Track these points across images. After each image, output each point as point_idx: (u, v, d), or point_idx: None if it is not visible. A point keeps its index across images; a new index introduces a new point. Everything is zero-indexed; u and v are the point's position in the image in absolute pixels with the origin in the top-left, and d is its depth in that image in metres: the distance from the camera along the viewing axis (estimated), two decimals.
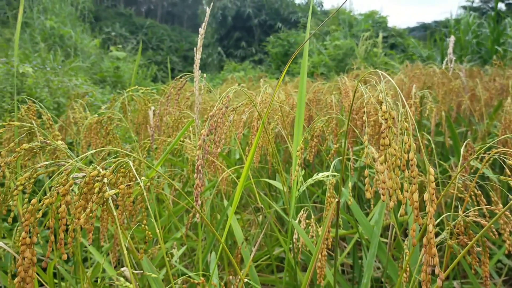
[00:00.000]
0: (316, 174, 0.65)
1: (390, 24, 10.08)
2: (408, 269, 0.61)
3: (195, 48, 0.69)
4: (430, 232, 0.29)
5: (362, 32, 7.86)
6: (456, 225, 0.54)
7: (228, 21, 16.12)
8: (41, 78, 2.61)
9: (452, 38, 1.26)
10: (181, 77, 0.83)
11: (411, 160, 0.32)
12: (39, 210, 0.36)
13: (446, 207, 1.16)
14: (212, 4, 0.87)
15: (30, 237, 0.35)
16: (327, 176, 0.66)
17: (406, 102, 1.02)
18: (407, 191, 0.31)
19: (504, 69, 2.21)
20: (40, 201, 0.39)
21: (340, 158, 1.18)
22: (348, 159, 0.92)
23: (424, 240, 0.30)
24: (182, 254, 1.15)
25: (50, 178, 0.50)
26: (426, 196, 0.30)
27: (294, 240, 0.73)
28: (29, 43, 5.19)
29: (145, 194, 0.42)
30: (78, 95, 2.40)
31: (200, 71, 0.72)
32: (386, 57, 6.25)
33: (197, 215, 0.53)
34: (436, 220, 0.76)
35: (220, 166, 0.98)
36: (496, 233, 0.60)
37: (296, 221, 0.74)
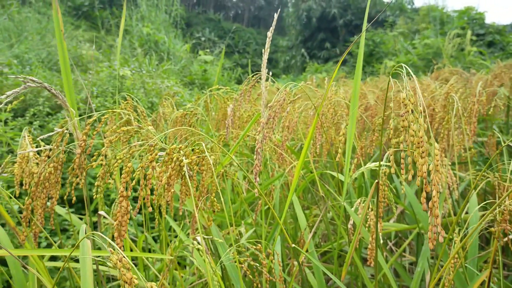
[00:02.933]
0: (369, 162, 0.71)
1: (488, 20, 9.33)
2: (456, 256, 0.64)
3: (262, 50, 0.78)
4: (434, 197, 0.34)
5: (455, 30, 7.39)
6: (499, 212, 0.56)
7: (313, 22, 16.11)
8: (137, 80, 2.92)
9: None
10: (252, 76, 0.93)
11: (421, 137, 0.37)
12: (133, 172, 0.48)
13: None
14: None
15: (126, 190, 0.47)
16: (380, 165, 0.71)
17: (474, 99, 1.01)
18: (421, 164, 0.37)
19: None
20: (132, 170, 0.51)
21: (400, 149, 1.20)
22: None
23: (430, 203, 0.35)
24: (252, 238, 1.26)
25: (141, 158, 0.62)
26: (431, 166, 0.35)
27: (350, 226, 0.79)
28: (128, 48, 5.74)
29: (214, 176, 0.52)
30: (169, 95, 2.65)
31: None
32: (480, 56, 5.82)
33: (256, 191, 0.62)
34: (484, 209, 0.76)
35: (288, 158, 1.07)
36: None
37: (353, 208, 0.80)
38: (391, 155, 0.51)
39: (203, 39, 16.15)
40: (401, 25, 10.15)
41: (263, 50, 0.76)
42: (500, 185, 0.89)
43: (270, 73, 0.81)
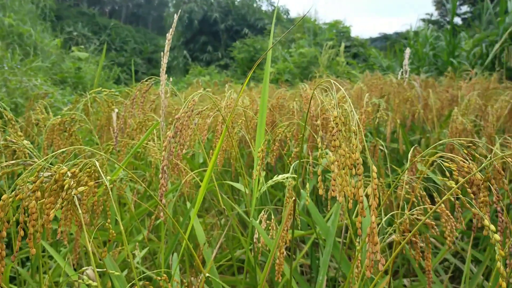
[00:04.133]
0: (276, 176, 0.69)
1: (353, 34, 10.38)
2: (359, 265, 0.65)
3: (162, 53, 0.71)
4: (373, 223, 0.33)
5: (326, 41, 8.07)
6: (402, 223, 0.58)
7: (195, 24, 16.07)
8: None
9: (407, 50, 1.34)
10: (146, 80, 0.84)
11: (357, 159, 0.35)
12: (9, 205, 0.37)
13: (400, 209, 1.23)
14: (178, 7, 0.90)
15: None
16: (287, 178, 0.69)
17: (361, 109, 1.07)
18: (354, 187, 0.35)
19: (456, 80, 2.35)
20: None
21: (301, 161, 1.23)
22: (308, 163, 0.96)
23: (368, 230, 0.34)
24: (144, 257, 1.16)
25: (9, 178, 0.50)
26: (369, 190, 0.34)
27: (254, 240, 0.76)
28: None
29: (110, 194, 0.44)
30: (38, 95, 2.34)
31: (166, 75, 0.74)
32: (348, 66, 6.44)
33: (162, 214, 0.55)
34: (386, 220, 0.81)
35: (184, 169, 1.00)
36: (439, 233, 0.65)
37: (257, 222, 0.77)
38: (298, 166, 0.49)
39: (75, 34, 14.90)
40: (278, 34, 10.70)
41: (162, 53, 0.69)
42: (383, 191, 0.96)
43: (170, 79, 0.74)
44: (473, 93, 1.36)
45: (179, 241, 1.12)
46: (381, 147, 1.56)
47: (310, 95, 1.47)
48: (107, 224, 0.52)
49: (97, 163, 0.46)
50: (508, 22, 5.29)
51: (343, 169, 0.38)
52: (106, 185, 0.70)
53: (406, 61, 1.31)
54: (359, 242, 0.71)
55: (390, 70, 6.69)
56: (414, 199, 0.67)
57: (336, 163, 0.37)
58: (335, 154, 0.38)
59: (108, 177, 0.49)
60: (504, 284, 0.31)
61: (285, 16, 17.52)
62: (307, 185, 0.72)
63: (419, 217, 0.58)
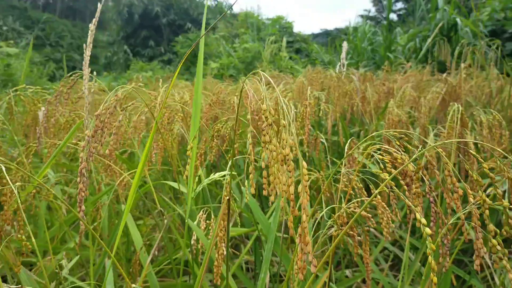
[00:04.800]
0: (213, 174, 0.66)
1: (296, 29, 10.55)
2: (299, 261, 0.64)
3: (84, 45, 0.65)
4: (304, 222, 0.31)
5: (269, 36, 8.12)
6: (340, 216, 0.58)
7: (135, 18, 15.56)
8: None
9: (345, 45, 1.36)
10: (71, 75, 0.78)
11: (287, 155, 0.33)
12: None
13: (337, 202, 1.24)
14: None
15: None
16: (224, 175, 0.67)
17: (305, 102, 1.07)
18: (285, 184, 0.33)
19: (392, 74, 2.44)
20: None
21: (243, 156, 1.20)
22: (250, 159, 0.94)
23: (299, 229, 0.32)
24: (78, 265, 1.08)
25: None
26: (299, 188, 0.32)
27: (193, 241, 0.73)
28: None
29: (18, 202, 0.39)
30: None
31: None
32: (291, 61, 6.53)
33: (82, 223, 0.50)
34: (328, 213, 0.81)
35: (118, 170, 0.94)
36: (375, 224, 0.65)
37: (196, 222, 0.74)
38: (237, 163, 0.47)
39: (5, 28, 13.91)
40: (222, 29, 10.63)
41: (84, 45, 0.63)
42: (323, 183, 0.96)
43: (93, 72, 0.68)
44: (407, 86, 1.41)
45: (113, 245, 1.06)
46: (322, 140, 1.57)
47: (240, 89, 1.45)
48: (20, 236, 0.47)
49: (3, 167, 0.41)
50: (439, 18, 5.61)
51: (275, 165, 0.36)
52: (33, 190, 0.63)
53: (343, 55, 1.33)
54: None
55: (331, 65, 6.87)
56: (352, 192, 0.67)
57: (268, 159, 0.35)
58: (265, 150, 0.36)
59: (18, 183, 0.43)
60: (435, 279, 0.30)
61: (228, 11, 17.43)
62: (246, 182, 0.69)
63: (355, 210, 0.57)
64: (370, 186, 0.64)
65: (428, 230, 0.32)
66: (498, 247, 0.33)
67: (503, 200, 0.37)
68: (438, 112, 1.66)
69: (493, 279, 1.02)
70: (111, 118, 0.48)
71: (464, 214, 0.40)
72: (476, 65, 1.91)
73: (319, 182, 1.14)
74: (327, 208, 0.59)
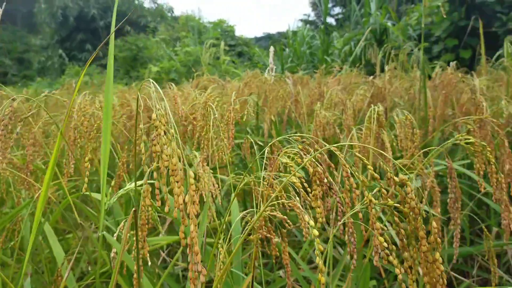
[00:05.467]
0: (129, 183, 0.64)
1: (238, 33, 10.61)
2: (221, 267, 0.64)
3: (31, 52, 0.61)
4: (192, 232, 0.31)
5: (211, 40, 8.10)
6: (256, 220, 0.59)
7: (70, 21, 14.88)
8: None
9: (271, 50, 1.39)
10: None
11: (175, 165, 0.33)
12: None
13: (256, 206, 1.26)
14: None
15: None
16: (140, 185, 0.65)
17: (230, 107, 1.07)
18: (177, 195, 0.33)
19: (325, 77, 2.51)
20: None
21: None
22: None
23: (188, 240, 0.32)
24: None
25: None
26: (187, 198, 0.32)
27: (113, 254, 0.71)
28: None
29: None
30: None
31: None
32: (233, 65, 6.55)
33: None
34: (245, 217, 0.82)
35: (34, 183, 0.89)
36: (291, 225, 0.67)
37: (116, 234, 0.71)
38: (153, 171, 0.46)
39: None
40: (163, 32, 10.45)
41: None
42: (255, 187, 0.97)
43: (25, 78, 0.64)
44: (335, 88, 1.46)
45: (41, 261, 1.01)
46: (260, 143, 1.59)
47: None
48: None
49: None
50: (372, 22, 5.89)
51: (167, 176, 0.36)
52: None
53: (271, 59, 1.36)
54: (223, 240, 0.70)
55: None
56: (272, 194, 0.68)
57: (159, 170, 0.35)
58: (159, 161, 0.35)
59: None
60: (323, 279, 0.31)
61: (169, 14, 17.18)
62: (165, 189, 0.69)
63: (273, 213, 0.58)
64: (289, 188, 0.65)
65: (315, 231, 0.33)
66: (385, 244, 0.35)
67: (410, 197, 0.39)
68: (365, 114, 1.74)
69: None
70: (6, 130, 0.45)
71: (360, 212, 0.42)
72: (401, 68, 2.02)
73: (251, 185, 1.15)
74: (243, 212, 0.60)
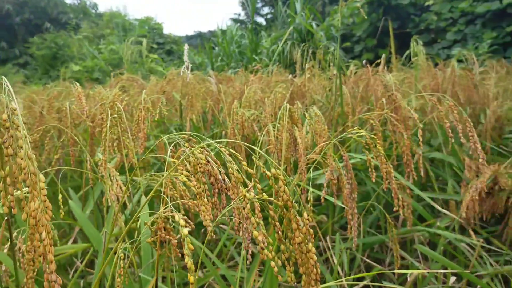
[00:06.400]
0: None
1: (169, 31, 10.40)
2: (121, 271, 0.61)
3: None
4: (44, 240, 0.29)
5: (138, 37, 7.84)
6: (154, 222, 0.57)
7: None
8: None
9: (186, 47, 1.37)
10: None
11: (24, 168, 0.31)
12: None
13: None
14: None
15: None
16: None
17: (140, 106, 1.04)
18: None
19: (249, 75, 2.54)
20: None
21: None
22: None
23: (41, 248, 0.30)
24: None
25: None
26: (37, 204, 0.30)
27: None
28: None
29: None
30: None
31: None
32: (163, 63, 6.40)
33: None
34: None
35: None
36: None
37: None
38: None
39: None
40: (85, 29, 9.95)
41: None
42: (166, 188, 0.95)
43: None
44: (253, 87, 1.48)
45: None
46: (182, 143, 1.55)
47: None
48: None
49: None
50: (298, 22, 6.05)
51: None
52: None
53: (185, 58, 1.34)
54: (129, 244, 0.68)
55: (203, 67, 6.93)
56: (178, 195, 0.67)
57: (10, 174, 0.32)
58: (9, 164, 0.32)
59: None
60: (192, 279, 0.31)
61: (93, 11, 16.37)
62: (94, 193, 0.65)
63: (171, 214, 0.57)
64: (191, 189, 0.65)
65: (185, 231, 0.33)
66: (259, 238, 0.36)
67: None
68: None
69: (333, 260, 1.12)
70: None
71: (242, 208, 0.42)
72: (319, 66, 2.10)
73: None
74: (142, 212, 0.58)
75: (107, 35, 8.94)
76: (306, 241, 0.36)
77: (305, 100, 1.83)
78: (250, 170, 0.37)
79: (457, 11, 5.79)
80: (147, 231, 0.82)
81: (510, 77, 2.22)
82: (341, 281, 0.93)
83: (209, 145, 0.59)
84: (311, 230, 0.36)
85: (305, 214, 0.36)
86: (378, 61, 1.85)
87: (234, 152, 0.38)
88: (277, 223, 0.36)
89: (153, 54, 6.66)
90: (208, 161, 0.46)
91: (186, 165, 0.56)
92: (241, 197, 0.35)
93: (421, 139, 0.72)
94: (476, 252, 0.97)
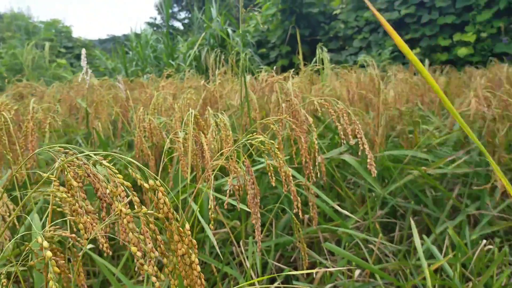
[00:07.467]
0: None
1: (80, 34, 9.80)
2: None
3: None
4: None
5: (44, 41, 7.30)
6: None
7: None
8: None
9: (83, 51, 1.29)
10: None
11: None
12: None
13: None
14: None
15: None
16: None
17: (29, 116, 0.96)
18: None
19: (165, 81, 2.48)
20: None
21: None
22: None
23: None
24: None
25: None
26: None
27: None
28: None
29: None
30: None
31: None
32: (68, 69, 6.01)
33: None
34: None
35: None
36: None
37: None
38: None
39: None
40: None
41: None
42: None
43: None
44: (160, 92, 1.44)
45: None
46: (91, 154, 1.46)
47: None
48: None
49: None
50: (214, 28, 6.06)
51: None
52: None
53: (83, 63, 1.27)
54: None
55: (116, 72, 6.63)
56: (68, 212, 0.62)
57: None
58: None
59: None
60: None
61: None
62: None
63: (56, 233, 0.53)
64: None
65: (49, 253, 0.30)
66: (138, 254, 0.34)
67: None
68: (202, 115, 1.76)
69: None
70: None
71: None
72: (231, 72, 2.11)
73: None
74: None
75: (8, 38, 8.18)
76: (190, 252, 0.35)
77: (216, 106, 1.83)
78: (127, 183, 0.35)
79: (362, 20, 6.21)
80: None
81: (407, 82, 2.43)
82: (253, 282, 0.93)
83: (111, 156, 0.55)
84: (194, 241, 0.35)
85: (187, 225, 0.35)
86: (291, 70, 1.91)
87: (109, 166, 0.35)
88: (158, 236, 0.35)
89: (61, 59, 6.23)
90: (89, 175, 0.43)
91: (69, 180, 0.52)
92: (117, 212, 0.33)
93: (316, 142, 0.75)
94: (376, 247, 1.04)
